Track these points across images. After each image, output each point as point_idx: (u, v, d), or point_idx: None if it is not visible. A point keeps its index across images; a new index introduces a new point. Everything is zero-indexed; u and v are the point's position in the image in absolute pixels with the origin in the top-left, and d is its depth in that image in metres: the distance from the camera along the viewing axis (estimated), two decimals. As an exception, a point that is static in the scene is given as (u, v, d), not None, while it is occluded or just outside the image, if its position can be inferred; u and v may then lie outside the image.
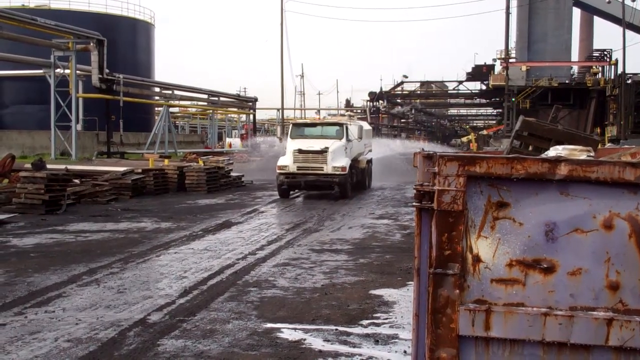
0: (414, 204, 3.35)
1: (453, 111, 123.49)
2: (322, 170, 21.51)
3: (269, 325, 7.11)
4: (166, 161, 30.00)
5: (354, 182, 23.43)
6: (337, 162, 21.55)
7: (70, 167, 24.50)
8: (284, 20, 63.32)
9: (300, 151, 21.71)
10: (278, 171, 21.99)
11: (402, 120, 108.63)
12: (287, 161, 21.86)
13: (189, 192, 24.15)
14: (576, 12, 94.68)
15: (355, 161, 23.76)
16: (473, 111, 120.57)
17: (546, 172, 3.18)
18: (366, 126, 28.15)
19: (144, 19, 63.99)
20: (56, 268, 10.13)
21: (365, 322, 7.23)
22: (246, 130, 79.53)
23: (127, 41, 59.84)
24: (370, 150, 27.83)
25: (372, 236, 13.72)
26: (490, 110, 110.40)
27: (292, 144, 22.29)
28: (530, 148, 8.23)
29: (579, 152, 4.56)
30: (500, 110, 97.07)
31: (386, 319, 7.38)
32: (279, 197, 22.43)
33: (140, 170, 23.89)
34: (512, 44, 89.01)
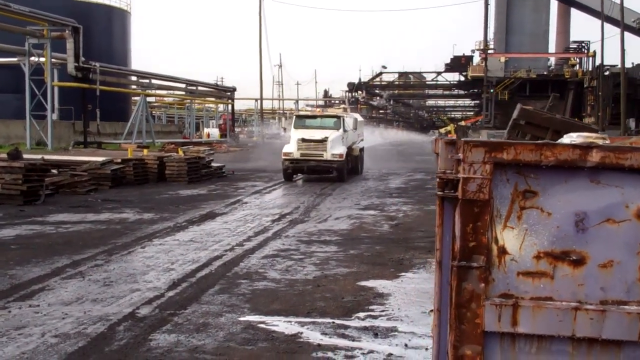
0: (436, 192, 3.17)
1: (431, 102, 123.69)
2: (323, 156, 24.38)
3: (264, 318, 6.92)
4: (145, 151, 29.61)
5: (349, 168, 26.32)
6: (335, 149, 24.42)
7: (47, 156, 24.08)
8: (262, 9, 62.90)
9: (303, 140, 24.52)
10: (283, 157, 24.87)
11: (381, 111, 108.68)
12: (291, 148, 24.75)
13: (170, 182, 23.82)
14: (553, 4, 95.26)
15: (350, 149, 26.33)
16: (451, 102, 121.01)
17: (577, 159, 3.01)
18: (359, 118, 31.22)
19: (119, 6, 63.13)
20: (38, 260, 9.84)
21: (361, 314, 7.07)
22: (224, 120, 78.93)
23: (103, 29, 59.02)
24: (362, 140, 30.34)
25: (360, 227, 13.56)
26: (468, 102, 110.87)
27: (296, 134, 25.17)
28: (528, 137, 8.13)
29: (595, 140, 4.42)
30: (478, 102, 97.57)
31: (382, 311, 7.22)
32: (263, 186, 22.29)
33: (119, 160, 23.50)
34: (491, 35, 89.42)
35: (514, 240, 3.11)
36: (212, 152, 35.44)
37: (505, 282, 3.13)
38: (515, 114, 7.36)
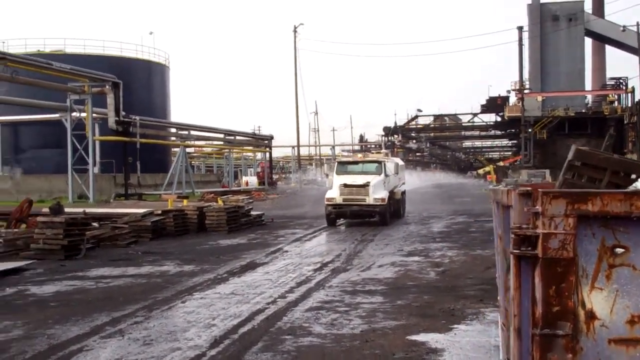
0: (512, 251, 2.80)
1: (468, 144, 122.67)
2: (365, 201, 24.71)
3: (311, 379, 6.52)
4: (185, 201, 29.62)
5: (392, 211, 26.44)
6: (377, 194, 24.75)
7: (88, 210, 24.14)
8: (297, 58, 63.47)
9: (345, 185, 24.89)
10: (326, 202, 25.30)
11: (418, 154, 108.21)
12: (334, 194, 25.12)
13: (210, 232, 23.64)
14: (588, 42, 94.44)
15: (391, 193, 26.61)
16: (488, 143, 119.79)
17: (675, 208, 2.63)
18: (400, 162, 31.58)
19: (158, 61, 64.29)
20: (77, 318, 9.59)
21: (415, 373, 6.63)
22: (262, 168, 79.29)
23: (142, 83, 60.04)
24: (403, 183, 30.55)
25: (405, 275, 13.10)
26: (505, 142, 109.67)
27: (338, 179, 25.61)
28: (584, 179, 7.68)
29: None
30: (515, 142, 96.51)
31: (437, 369, 6.77)
32: (303, 233, 21.99)
33: (159, 212, 23.44)
34: (526, 74, 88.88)
35: (603, 303, 2.73)
36: (251, 200, 35.32)
37: (596, 351, 2.74)
38: (570, 155, 6.98)
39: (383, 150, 40.00)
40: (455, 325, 8.58)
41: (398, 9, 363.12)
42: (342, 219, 26.03)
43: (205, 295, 11.35)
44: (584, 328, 2.73)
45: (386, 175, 25.88)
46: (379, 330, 8.47)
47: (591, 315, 2.73)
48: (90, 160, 41.37)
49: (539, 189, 2.74)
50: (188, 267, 15.03)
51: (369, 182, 24.72)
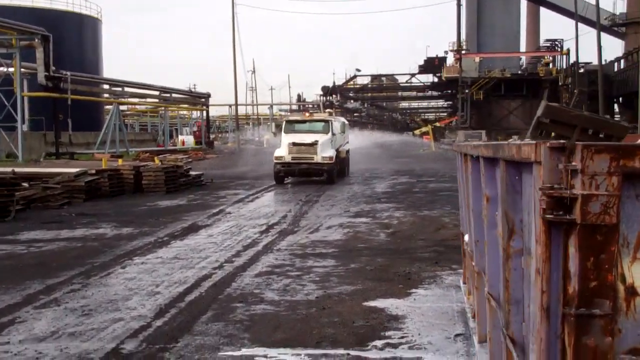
0: (544, 215, 2.34)
1: (404, 104, 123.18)
2: (313, 159, 25.28)
3: (268, 351, 6.06)
4: (120, 161, 28.59)
5: (338, 170, 27.08)
6: (325, 153, 25.42)
7: (17, 169, 22.95)
8: (235, 15, 61.89)
9: (294, 144, 25.33)
10: (275, 161, 25.67)
11: (355, 114, 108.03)
12: (283, 152, 25.55)
13: (147, 193, 22.80)
14: (523, 4, 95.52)
15: (337, 151, 27.01)
16: (424, 104, 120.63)
17: None
18: (345, 122, 32.28)
19: (90, 14, 61.79)
20: (8, 286, 8.87)
21: (378, 342, 6.23)
22: (199, 127, 77.82)
23: (73, 37, 57.73)
24: (347, 142, 31.10)
25: (355, 237, 12.72)
26: (441, 103, 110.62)
27: (287, 138, 26.00)
28: (553, 136, 7.37)
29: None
30: (451, 103, 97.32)
31: (402, 337, 6.38)
32: (245, 194, 21.40)
33: (94, 171, 22.42)
34: (463, 36, 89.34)
35: (647, 277, 2.31)
36: (189, 160, 34.41)
37: (636, 333, 2.33)
38: (539, 112, 6.64)
39: (328, 110, 39.88)
40: (414, 290, 8.23)
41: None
42: (289, 177, 26.44)
43: (147, 260, 10.73)
44: (623, 306, 2.31)
45: (333, 134, 26.52)
46: (335, 296, 8.06)
47: (632, 292, 2.31)
48: (18, 117, 39.56)
49: (577, 142, 2.28)
50: (126, 229, 14.31)
51: (317, 141, 25.22)
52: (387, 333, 6.53)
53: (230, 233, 13.56)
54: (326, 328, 6.71)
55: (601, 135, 7.02)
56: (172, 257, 10.94)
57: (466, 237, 6.28)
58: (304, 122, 28.08)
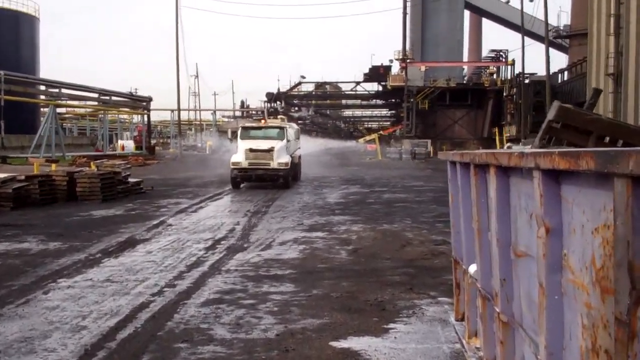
0: None
1: (348, 112, 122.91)
2: (269, 165, 25.88)
3: (221, 416, 4.72)
4: (54, 166, 26.68)
5: (292, 175, 27.76)
6: (281, 158, 26.01)
7: (-63, 174, 20.94)
8: (179, 16, 59.92)
9: (251, 150, 25.93)
10: (232, 167, 26.17)
11: (300, 121, 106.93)
12: (239, 158, 26.11)
13: (81, 201, 21.04)
14: (466, 15, 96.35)
15: (291, 157, 27.51)
16: (368, 112, 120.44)
17: None
18: (298, 128, 34.15)
19: (27, 11, 59.09)
20: None
21: (361, 402, 4.95)
22: (139, 132, 75.40)
23: (8, 35, 55.16)
24: (299, 148, 31.64)
25: (313, 255, 11.38)
26: (384, 112, 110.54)
27: (243, 144, 26.50)
28: (564, 144, 6.25)
29: None
30: (394, 112, 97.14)
31: (389, 394, 5.12)
32: (188, 204, 19.90)
33: (23, 177, 20.58)
34: (408, 44, 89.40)
35: None
36: (128, 166, 32.57)
37: None
38: (551, 114, 5.61)
39: (281, 116, 40.01)
40: (392, 325, 6.96)
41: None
42: (244, 183, 26.97)
43: (74, 283, 9.20)
44: None
45: (288, 141, 27.19)
46: (299, 333, 6.73)
47: None
48: (-56, 118, 37.12)
49: None
50: (54, 244, 12.70)
51: (273, 147, 25.87)
52: (370, 387, 5.25)
53: (171, 249, 12.09)
54: (293, 380, 5.40)
55: (620, 143, 5.93)
56: (104, 279, 9.45)
57: (471, 269, 5.07)
58: (259, 128, 28.61)
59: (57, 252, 11.75)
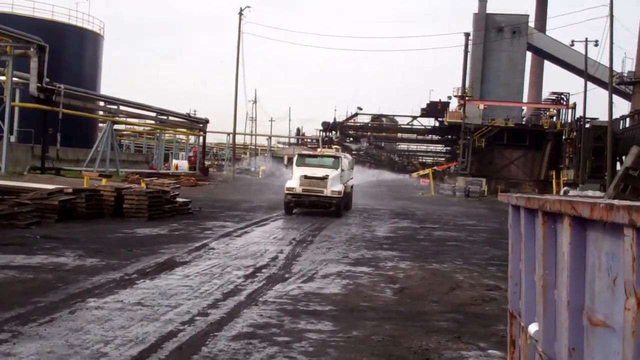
0: None
1: (403, 146, 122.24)
2: (323, 193, 26.41)
3: None
4: (104, 181, 26.70)
5: (344, 203, 28.17)
6: (334, 187, 26.58)
7: (-6, 182, 21.08)
8: (241, 43, 60.45)
9: (306, 177, 26.48)
10: (286, 192, 26.69)
11: (354, 152, 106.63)
12: (294, 184, 26.65)
13: (127, 218, 20.88)
14: (528, 56, 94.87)
15: (344, 186, 27.88)
16: (423, 147, 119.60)
17: None
18: (352, 159, 34.52)
19: (92, 29, 60.39)
20: None
21: None
22: (194, 152, 76.02)
23: (73, 51, 56.33)
24: (352, 178, 32.29)
25: (357, 291, 10.76)
26: (439, 147, 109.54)
27: (298, 171, 27.17)
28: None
29: None
30: (449, 148, 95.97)
31: None
32: (234, 227, 19.50)
33: (70, 190, 20.52)
34: (468, 82, 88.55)
35: None
36: (177, 185, 32.49)
37: None
38: (629, 161, 5.01)
39: (335, 146, 40.72)
40: (439, 380, 6.31)
41: (346, 2, 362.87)
42: (297, 208, 27.38)
43: (104, 303, 8.79)
44: None
45: (342, 170, 27.69)
46: (334, 379, 6.14)
47: None
48: (5, 127, 37.84)
49: None
50: (91, 260, 12.39)
51: (327, 175, 26.44)
52: None
53: (210, 274, 11.63)
54: None
55: None
56: (135, 301, 9.01)
57: (531, 328, 4.41)
58: (315, 156, 29.83)
59: (93, 270, 11.40)
